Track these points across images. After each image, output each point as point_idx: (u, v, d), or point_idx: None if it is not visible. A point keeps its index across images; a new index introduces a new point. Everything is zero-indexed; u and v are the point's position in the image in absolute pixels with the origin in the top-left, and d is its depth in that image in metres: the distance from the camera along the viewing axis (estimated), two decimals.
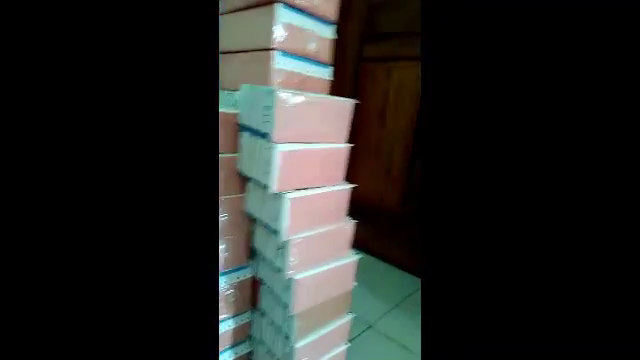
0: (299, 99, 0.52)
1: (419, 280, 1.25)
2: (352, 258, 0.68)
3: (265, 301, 0.69)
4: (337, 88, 1.42)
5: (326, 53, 0.69)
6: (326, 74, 0.71)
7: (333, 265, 0.63)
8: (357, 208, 1.43)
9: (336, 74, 1.43)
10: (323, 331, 0.66)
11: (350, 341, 0.90)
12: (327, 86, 0.71)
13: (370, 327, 0.98)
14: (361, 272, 1.26)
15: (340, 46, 1.41)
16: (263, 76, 0.61)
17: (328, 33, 0.69)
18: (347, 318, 0.72)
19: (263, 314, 0.69)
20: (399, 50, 1.22)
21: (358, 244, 1.45)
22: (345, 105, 0.61)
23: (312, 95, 0.55)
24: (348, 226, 0.66)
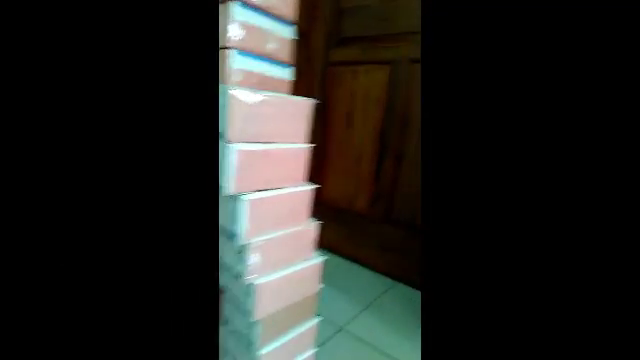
0: (255, 98, 0.51)
1: (389, 280, 1.26)
2: (317, 260, 0.67)
3: (228, 309, 0.66)
4: (305, 91, 1.42)
5: (286, 53, 0.69)
6: (287, 74, 0.71)
7: (296, 268, 0.62)
8: (327, 210, 1.44)
9: (304, 78, 1.43)
10: (288, 336, 0.64)
11: (321, 345, 0.89)
12: (288, 86, 0.71)
13: (341, 329, 0.97)
14: (332, 274, 1.26)
15: (307, 50, 1.42)
16: (220, 75, 0.60)
17: (288, 33, 0.68)
18: (314, 322, 0.70)
19: (226, 322, 0.67)
20: (364, 54, 1.24)
21: (329, 246, 1.45)
22: (304, 104, 0.60)
23: (270, 94, 0.54)
24: (312, 227, 0.65)
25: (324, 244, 1.47)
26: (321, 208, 1.46)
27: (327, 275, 1.24)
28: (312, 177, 1.46)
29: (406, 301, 1.14)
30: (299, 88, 1.44)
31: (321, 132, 1.40)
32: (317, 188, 1.46)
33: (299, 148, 0.61)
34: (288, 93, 0.73)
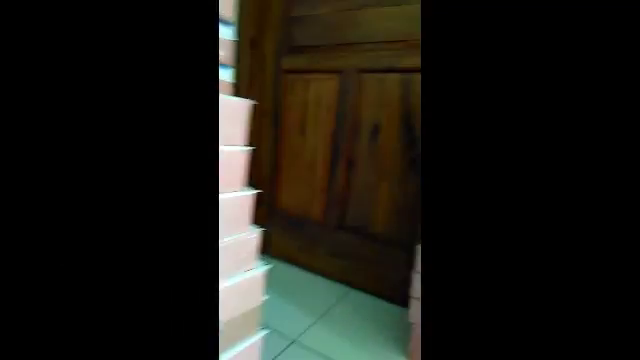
0: None
1: (344, 287, 1.25)
2: (260, 270, 0.64)
3: None
4: (258, 97, 1.39)
5: (225, 54, 0.66)
6: (226, 76, 0.68)
7: (237, 279, 0.58)
8: (282, 219, 1.40)
9: (256, 85, 1.41)
10: (232, 352, 0.60)
11: (273, 359, 0.84)
12: (229, 88, 0.68)
13: (293, 342, 0.93)
14: (285, 285, 1.22)
15: (259, 58, 1.40)
16: None
17: (226, 34, 0.66)
18: (259, 336, 0.66)
19: None
20: (315, 63, 1.25)
21: (283, 256, 1.41)
22: (241, 105, 0.58)
23: None
24: (254, 235, 0.62)
25: (278, 254, 1.43)
26: (276, 218, 1.43)
27: (280, 286, 1.20)
28: (267, 186, 1.43)
29: (361, 308, 1.13)
30: (252, 94, 1.42)
31: (275, 140, 1.38)
32: (272, 197, 1.43)
33: (236, 151, 0.58)
34: (228, 94, 0.70)
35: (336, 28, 1.18)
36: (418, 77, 1.06)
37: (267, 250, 1.45)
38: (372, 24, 1.11)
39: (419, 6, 1.02)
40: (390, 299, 1.17)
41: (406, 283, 1.09)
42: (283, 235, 1.41)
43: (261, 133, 1.41)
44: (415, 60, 1.05)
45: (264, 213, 1.43)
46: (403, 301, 1.10)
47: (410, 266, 1.06)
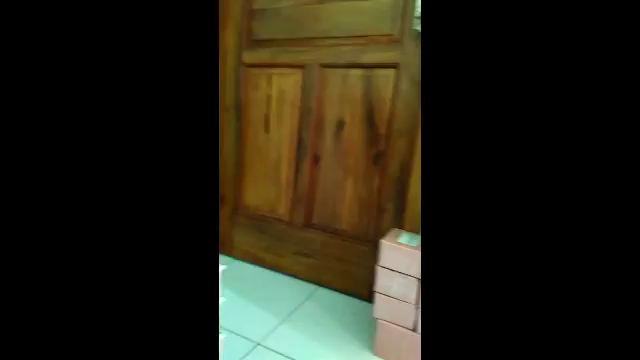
0: None
1: (312, 286, 1.23)
2: None
3: None
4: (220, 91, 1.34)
5: None
6: None
7: None
8: (248, 219, 1.36)
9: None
10: None
11: None
12: None
13: (257, 345, 0.90)
14: (251, 286, 1.19)
15: (221, 52, 1.35)
16: None
17: None
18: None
19: None
20: (277, 57, 1.22)
21: (250, 257, 1.37)
22: None
23: None
24: None
25: (243, 255, 1.38)
26: (240, 218, 1.38)
27: (246, 287, 1.16)
28: (230, 185, 1.38)
29: (329, 306, 1.12)
30: None
31: (238, 137, 1.33)
32: (236, 196, 1.38)
33: None
34: None
35: (298, 22, 1.16)
36: (380, 73, 1.06)
37: (230, 251, 1.40)
38: (333, 18, 1.10)
39: (381, 1, 1.03)
40: (358, 295, 1.17)
41: (373, 278, 1.10)
42: (248, 235, 1.36)
43: (223, 130, 1.35)
44: (377, 56, 1.05)
45: (228, 213, 1.38)
46: (371, 297, 1.10)
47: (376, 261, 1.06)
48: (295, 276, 1.29)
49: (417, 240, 0.88)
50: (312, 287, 1.23)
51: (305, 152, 1.21)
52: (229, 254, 1.39)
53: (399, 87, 1.03)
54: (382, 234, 1.01)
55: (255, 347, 0.89)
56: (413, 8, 0.97)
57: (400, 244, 0.85)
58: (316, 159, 1.21)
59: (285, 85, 1.23)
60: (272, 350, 0.89)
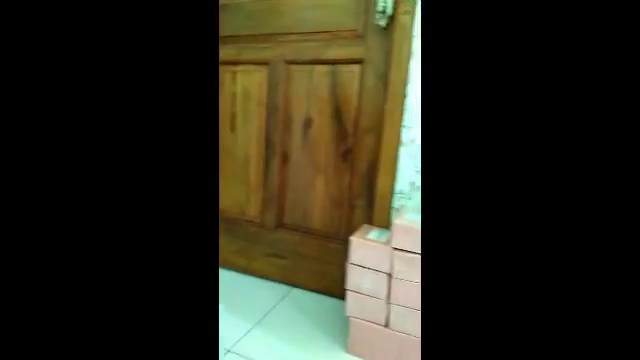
0: None
1: (285, 287, 1.21)
2: None
3: None
4: None
5: None
6: None
7: None
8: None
9: None
10: None
11: None
12: None
13: (228, 352, 0.86)
14: (222, 291, 1.14)
15: None
16: None
17: None
18: None
19: None
20: (241, 54, 1.18)
21: (219, 261, 1.32)
22: None
23: None
24: None
25: None
26: None
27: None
28: None
29: (303, 306, 1.10)
30: None
31: None
32: None
33: None
34: None
35: (261, 17, 1.13)
36: (344, 69, 1.05)
37: None
38: (296, 14, 1.08)
39: None
40: (333, 294, 1.16)
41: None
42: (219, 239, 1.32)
43: None
44: (341, 51, 1.04)
45: None
46: (344, 295, 1.09)
47: None
48: (268, 278, 1.26)
49: (386, 235, 0.88)
50: (286, 288, 1.21)
51: (274, 151, 1.19)
52: None
53: (365, 83, 1.03)
54: (354, 231, 1.00)
55: (225, 354, 0.86)
56: (375, 3, 0.96)
57: (369, 240, 0.84)
58: (285, 158, 1.18)
59: (250, 83, 1.19)
60: (243, 357, 0.86)
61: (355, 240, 0.85)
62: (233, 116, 1.24)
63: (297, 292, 1.19)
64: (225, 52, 1.21)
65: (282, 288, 1.21)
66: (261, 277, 1.27)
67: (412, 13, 0.90)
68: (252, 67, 1.18)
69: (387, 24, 0.95)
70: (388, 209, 1.01)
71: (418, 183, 0.97)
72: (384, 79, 0.99)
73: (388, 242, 0.82)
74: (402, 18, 0.92)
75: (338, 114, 1.08)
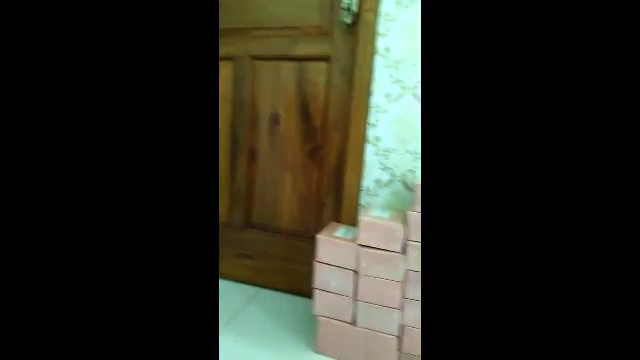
0: None
1: (254, 288, 1.18)
2: None
3: None
4: None
5: None
6: None
7: None
8: None
9: None
10: None
11: None
12: None
13: None
14: None
15: None
16: None
17: None
18: None
19: None
20: None
21: None
22: None
23: None
24: None
25: None
26: None
27: None
28: None
29: (271, 307, 1.08)
30: None
31: None
32: None
33: None
34: None
35: (226, 11, 1.10)
36: (311, 65, 1.04)
37: None
38: (263, 9, 1.06)
39: None
40: (301, 293, 1.14)
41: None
42: None
43: None
44: (308, 48, 1.03)
45: None
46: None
47: None
48: (236, 280, 1.22)
49: (353, 232, 0.88)
50: (254, 290, 1.18)
51: (241, 148, 1.16)
52: None
53: (331, 80, 1.02)
54: (319, 229, 0.99)
55: None
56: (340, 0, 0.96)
57: (336, 238, 0.83)
58: (253, 155, 1.15)
59: None
60: None
61: (322, 238, 0.84)
62: None
63: (266, 293, 1.16)
64: None
65: (250, 289, 1.18)
66: (229, 279, 1.23)
67: (375, 10, 0.91)
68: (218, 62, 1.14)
69: (352, 21, 0.95)
70: (355, 206, 1.01)
71: (384, 180, 0.98)
72: (350, 77, 0.99)
73: (354, 239, 0.82)
74: (366, 15, 0.92)
75: (306, 111, 1.07)
